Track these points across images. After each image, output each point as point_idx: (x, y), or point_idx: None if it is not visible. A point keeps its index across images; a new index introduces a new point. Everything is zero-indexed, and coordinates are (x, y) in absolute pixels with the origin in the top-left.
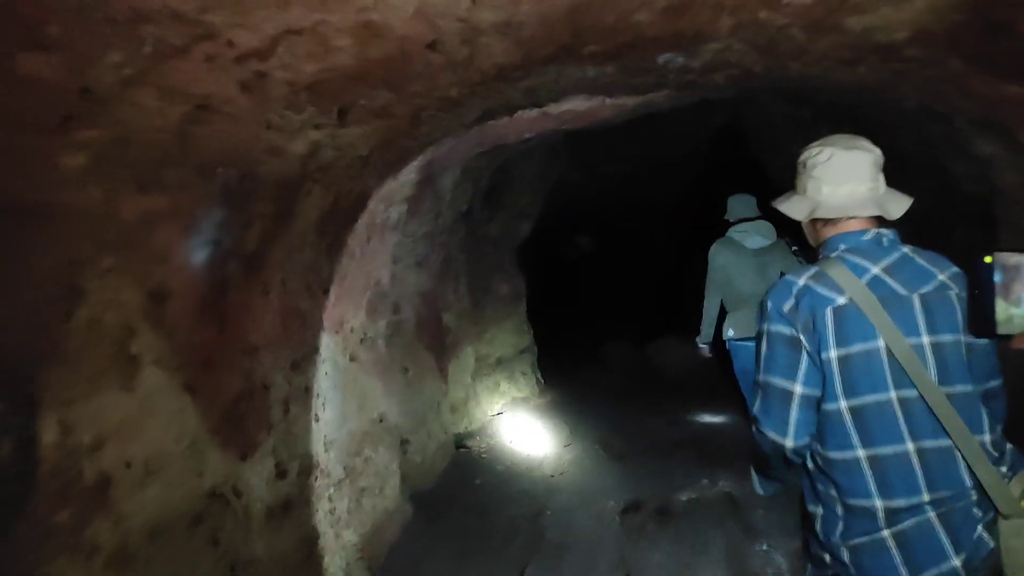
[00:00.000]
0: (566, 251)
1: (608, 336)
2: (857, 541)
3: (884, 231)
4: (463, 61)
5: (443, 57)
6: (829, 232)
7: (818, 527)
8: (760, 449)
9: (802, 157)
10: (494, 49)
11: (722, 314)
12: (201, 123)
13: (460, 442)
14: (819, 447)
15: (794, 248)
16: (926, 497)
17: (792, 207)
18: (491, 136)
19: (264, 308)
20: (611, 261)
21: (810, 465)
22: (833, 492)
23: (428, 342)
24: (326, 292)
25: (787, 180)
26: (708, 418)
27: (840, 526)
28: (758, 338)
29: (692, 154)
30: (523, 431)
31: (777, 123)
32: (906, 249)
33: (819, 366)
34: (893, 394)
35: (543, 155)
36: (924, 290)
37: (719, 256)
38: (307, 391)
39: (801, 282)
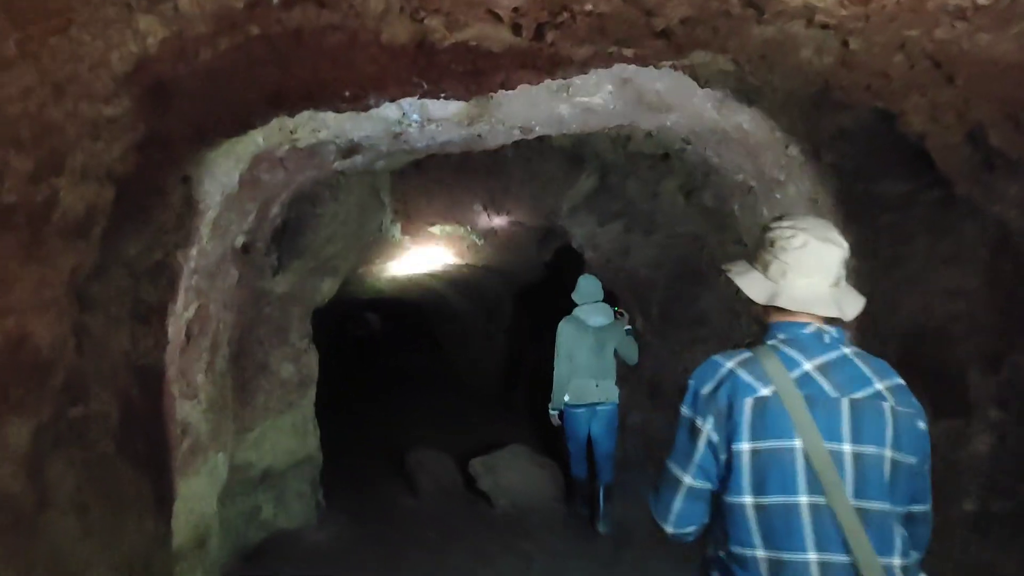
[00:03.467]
0: (353, 327)
1: (417, 442)
2: None
3: (827, 328)
4: None
5: None
6: (774, 318)
7: None
8: None
9: (771, 234)
10: None
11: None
12: None
13: None
14: (721, 538)
15: (627, 328)
16: None
17: (751, 286)
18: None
19: None
20: (423, 345)
21: (708, 552)
22: None
23: (139, 454)
24: None
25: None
26: None
27: None
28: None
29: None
30: None
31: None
32: (848, 351)
33: (721, 459)
34: (804, 499)
35: (363, 194)
36: (857, 395)
37: (565, 331)
38: None
39: (728, 365)
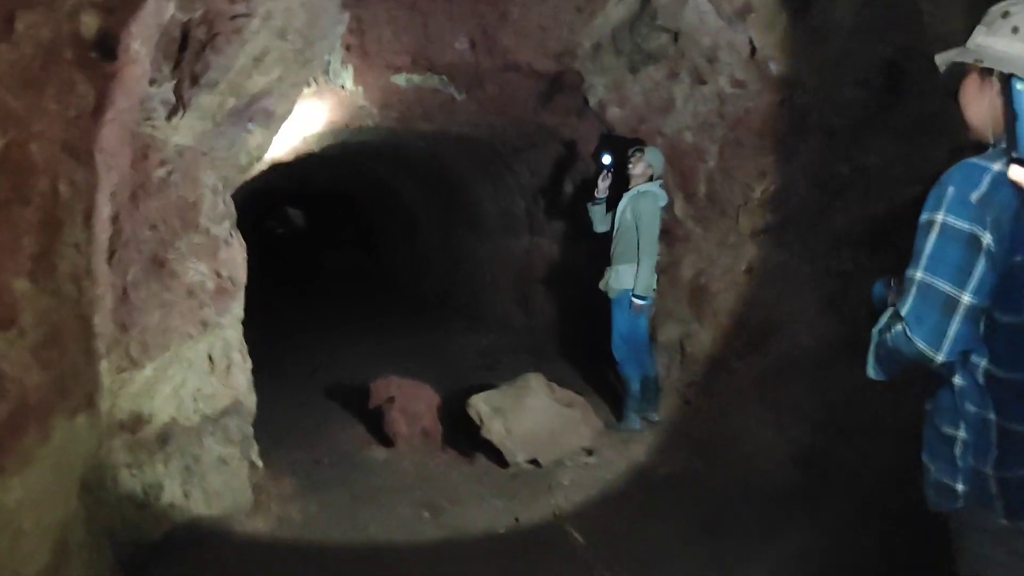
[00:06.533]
0: (274, 223)
1: (378, 368)
2: (1015, 474)
3: None
4: None
5: None
6: None
7: (957, 452)
8: (899, 351)
9: None
10: None
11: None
12: None
13: None
14: (986, 362)
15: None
16: None
17: None
18: None
19: None
20: (364, 246)
21: (959, 381)
22: (991, 416)
23: None
24: None
25: None
26: None
27: (994, 454)
28: (922, 227)
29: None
30: None
31: None
32: None
33: (998, 272)
34: None
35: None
36: None
37: (655, 211)
38: None
39: (996, 168)
